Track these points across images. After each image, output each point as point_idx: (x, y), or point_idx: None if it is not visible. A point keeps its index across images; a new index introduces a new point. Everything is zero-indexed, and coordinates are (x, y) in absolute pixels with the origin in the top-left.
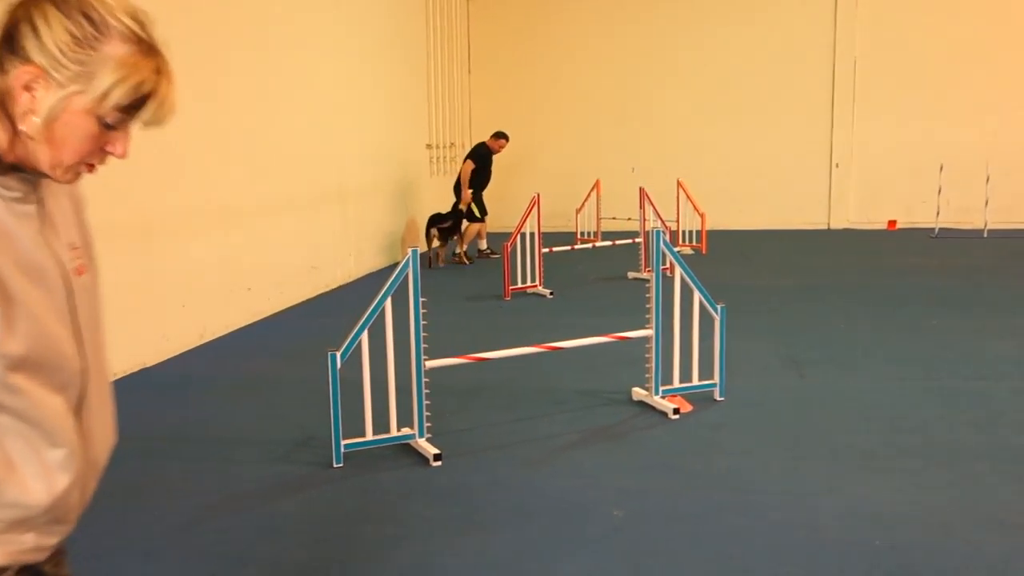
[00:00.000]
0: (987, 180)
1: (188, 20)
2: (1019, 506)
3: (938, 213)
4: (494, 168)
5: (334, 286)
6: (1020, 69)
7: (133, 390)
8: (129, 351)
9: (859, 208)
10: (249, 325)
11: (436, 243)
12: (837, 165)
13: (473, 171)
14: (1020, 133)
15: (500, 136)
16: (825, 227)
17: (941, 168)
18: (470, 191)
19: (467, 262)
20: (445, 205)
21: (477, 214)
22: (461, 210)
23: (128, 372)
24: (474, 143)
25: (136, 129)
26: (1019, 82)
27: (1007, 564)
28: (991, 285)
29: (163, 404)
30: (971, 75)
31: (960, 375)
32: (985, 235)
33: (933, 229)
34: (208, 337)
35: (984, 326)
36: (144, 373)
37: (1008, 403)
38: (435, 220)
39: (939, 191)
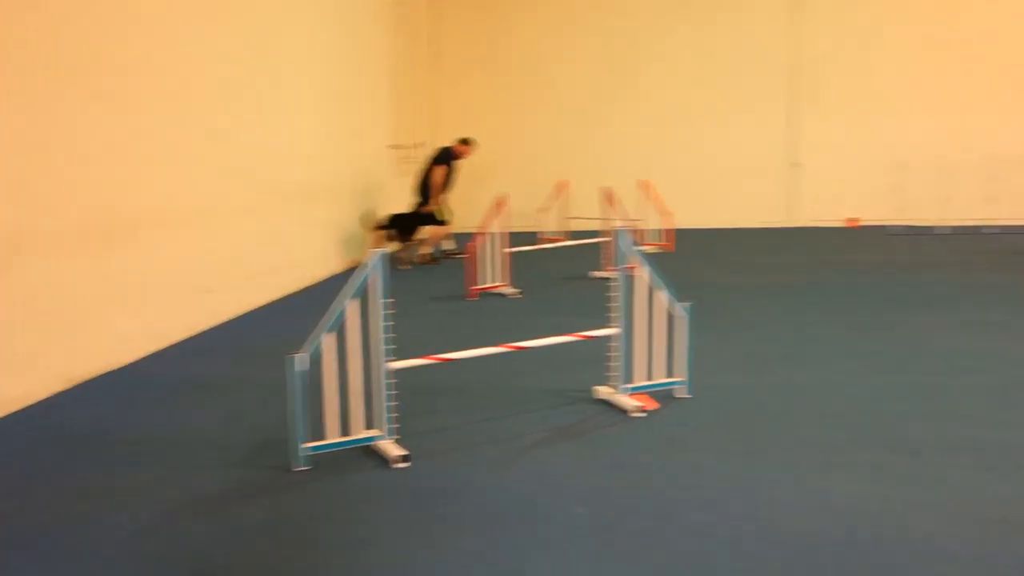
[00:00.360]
0: (943, 178)
1: (144, 19)
2: (974, 499)
3: (895, 211)
4: (459, 168)
5: (297, 288)
6: (974, 68)
7: (92, 394)
8: (88, 354)
9: (818, 206)
10: (211, 328)
11: (394, 245)
12: (797, 164)
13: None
14: (974, 131)
15: (466, 142)
16: (785, 225)
17: (898, 166)
18: (440, 196)
19: (434, 262)
20: (408, 204)
21: (443, 217)
22: (422, 214)
23: (87, 376)
24: (439, 143)
25: (96, 130)
26: (973, 81)
27: (962, 556)
28: (945, 281)
29: (122, 408)
30: (926, 74)
31: (916, 370)
32: (940, 231)
33: (891, 226)
34: (168, 340)
35: (939, 321)
36: (103, 377)
37: (963, 397)
38: (391, 221)
39: (896, 189)
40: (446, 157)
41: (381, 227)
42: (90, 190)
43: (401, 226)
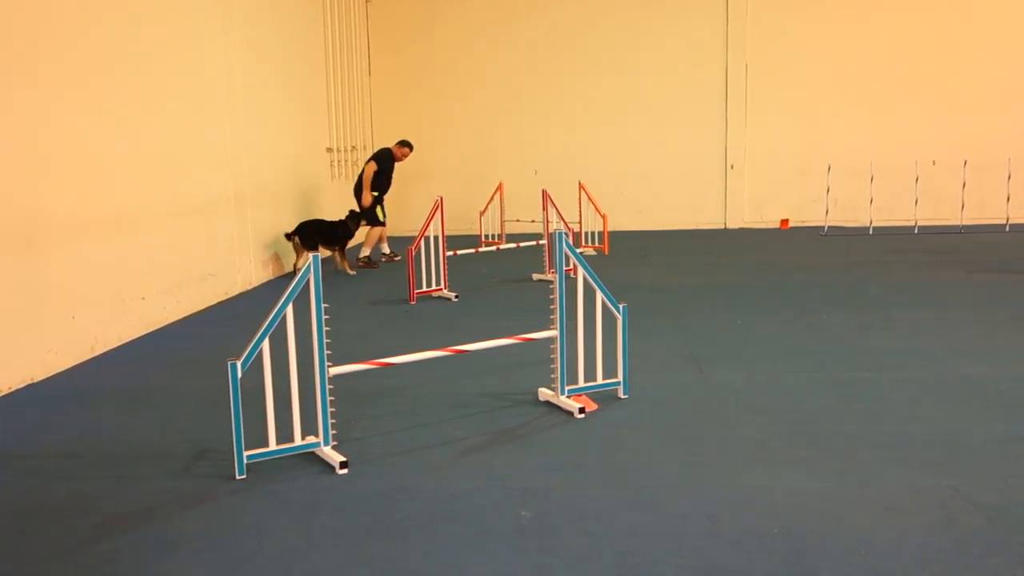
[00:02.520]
0: (871, 179)
1: (65, 17)
2: (903, 491)
3: (827, 212)
4: (395, 171)
5: (233, 294)
6: (901, 73)
7: (19, 407)
8: (14, 366)
9: (753, 208)
10: (144, 336)
11: (303, 256)
12: (732, 167)
13: (376, 174)
14: (901, 135)
15: (405, 144)
16: (721, 227)
17: (829, 168)
18: (373, 193)
19: (373, 266)
20: (346, 209)
21: (381, 217)
22: (354, 215)
23: (14, 388)
24: (375, 146)
25: (17, 129)
26: (900, 86)
27: (894, 546)
28: (874, 280)
29: (52, 420)
30: (855, 79)
31: (847, 367)
32: (870, 232)
33: (822, 227)
34: (100, 349)
35: (868, 319)
36: (31, 388)
37: (891, 393)
38: (306, 228)
39: (827, 191)
40: (383, 156)
41: (288, 235)
42: (8, 193)
43: (305, 234)
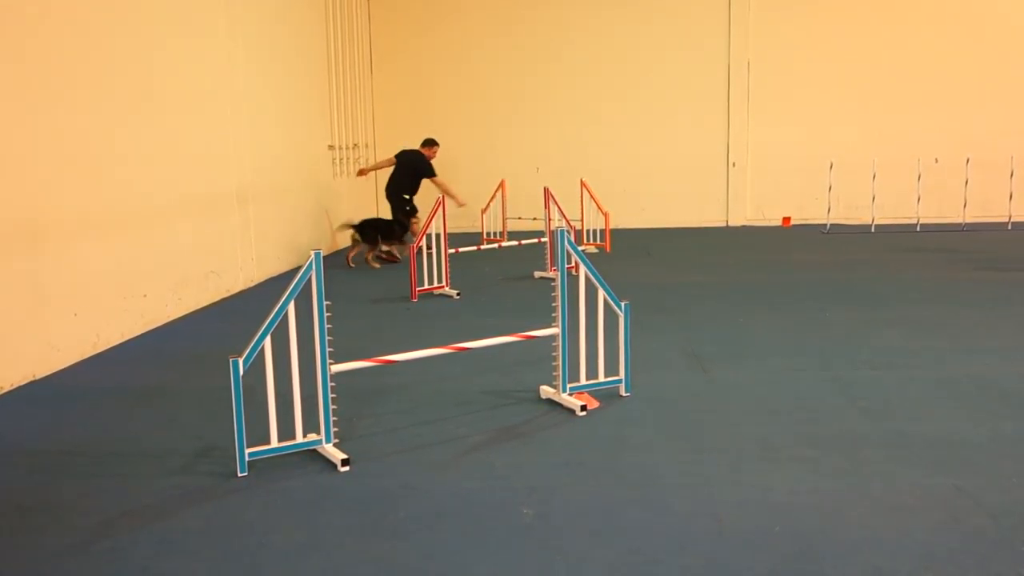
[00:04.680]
0: (874, 178)
1: (79, 15)
2: (910, 490)
3: (829, 210)
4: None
5: (235, 291)
6: (903, 71)
7: (21, 403)
8: (16, 362)
9: (755, 206)
10: (146, 333)
11: (359, 247)
12: (734, 164)
13: (399, 174)
14: (904, 132)
15: (432, 143)
16: (723, 224)
17: (831, 166)
18: (404, 196)
19: (396, 260)
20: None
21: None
22: (400, 223)
23: (15, 385)
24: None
25: (19, 127)
26: (902, 84)
27: (898, 545)
28: (878, 278)
29: (54, 417)
30: (857, 77)
31: (852, 365)
32: (872, 230)
33: (825, 225)
34: (102, 346)
35: (872, 317)
36: (33, 385)
37: (897, 391)
38: (366, 225)
39: (829, 189)
40: (425, 164)
41: (350, 226)
42: (11, 189)
43: (365, 229)
